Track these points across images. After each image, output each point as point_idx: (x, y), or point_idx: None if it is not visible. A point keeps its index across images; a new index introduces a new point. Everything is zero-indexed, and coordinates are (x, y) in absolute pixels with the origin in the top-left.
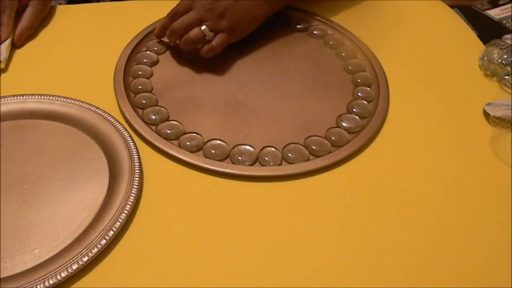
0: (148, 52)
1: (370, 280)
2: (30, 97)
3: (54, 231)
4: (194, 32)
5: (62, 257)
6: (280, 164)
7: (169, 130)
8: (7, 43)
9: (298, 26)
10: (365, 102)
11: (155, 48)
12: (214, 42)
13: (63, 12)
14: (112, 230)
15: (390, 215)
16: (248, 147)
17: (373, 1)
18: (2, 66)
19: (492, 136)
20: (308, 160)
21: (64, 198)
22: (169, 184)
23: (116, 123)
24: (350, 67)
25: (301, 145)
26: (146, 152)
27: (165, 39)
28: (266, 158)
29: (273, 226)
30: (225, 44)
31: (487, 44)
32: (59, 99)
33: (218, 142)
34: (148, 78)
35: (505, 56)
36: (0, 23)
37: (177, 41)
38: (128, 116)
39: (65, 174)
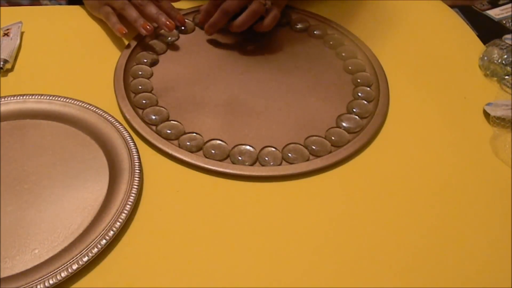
0: (148, 52)
1: (371, 279)
2: (30, 97)
3: (54, 231)
4: (256, 4)
5: (62, 257)
6: (280, 164)
7: (169, 130)
8: (16, 44)
9: (298, 26)
10: (365, 102)
11: (155, 48)
12: (275, 11)
13: (63, 12)
14: (112, 230)
15: (390, 215)
16: (248, 147)
17: (373, 1)
18: (9, 66)
19: (492, 136)
20: (308, 160)
21: (64, 198)
22: (169, 184)
23: (116, 123)
24: (350, 67)
25: (301, 145)
26: (146, 152)
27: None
28: (266, 158)
29: (273, 226)
30: (280, 11)
31: (487, 44)
32: (59, 99)
33: (218, 142)
34: (148, 78)
35: (505, 56)
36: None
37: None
38: (128, 116)
39: (65, 174)
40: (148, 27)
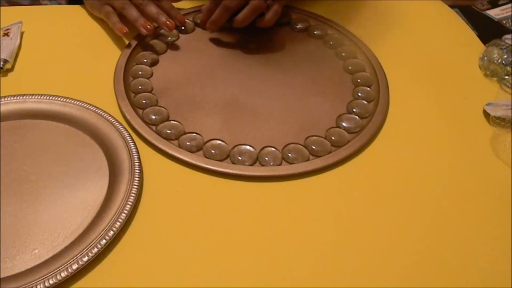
0: (148, 52)
1: (370, 279)
2: (30, 97)
3: (54, 231)
4: (257, 1)
5: (62, 257)
6: (280, 164)
7: (169, 130)
8: (16, 44)
9: (298, 26)
10: (365, 102)
11: (155, 48)
12: (276, 6)
13: (63, 12)
14: (112, 230)
15: (390, 215)
16: (248, 147)
17: (373, 1)
18: (9, 66)
19: (492, 136)
20: (308, 160)
21: (64, 198)
22: (169, 184)
23: (116, 123)
24: (350, 67)
25: (301, 145)
26: (146, 152)
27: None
28: (266, 158)
29: (273, 226)
30: (282, 6)
31: (487, 44)
32: (59, 99)
33: (218, 142)
34: (148, 78)
35: (505, 56)
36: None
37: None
38: (128, 116)
39: (65, 174)
40: (148, 26)
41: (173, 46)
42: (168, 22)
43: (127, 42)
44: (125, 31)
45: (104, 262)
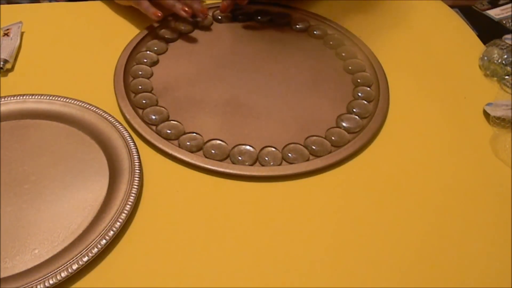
0: (148, 52)
1: (370, 280)
2: (30, 97)
3: (54, 231)
4: None
5: (62, 257)
6: (280, 164)
7: (169, 130)
8: (16, 44)
9: (298, 26)
10: (365, 102)
11: (155, 48)
12: None
13: (63, 10)
14: (112, 230)
15: (390, 215)
16: (248, 147)
17: (373, 1)
18: (9, 66)
19: (492, 136)
20: (308, 160)
21: (64, 198)
22: (169, 184)
23: (116, 123)
24: (350, 67)
25: (301, 145)
26: (146, 152)
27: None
28: (266, 158)
29: (273, 226)
30: None
31: (487, 44)
32: (59, 99)
33: (218, 142)
34: (148, 78)
35: (505, 56)
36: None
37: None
38: (128, 116)
39: (65, 174)
40: (187, 9)
41: (173, 46)
42: (201, 8)
43: (127, 42)
44: (159, 15)
45: (104, 262)
